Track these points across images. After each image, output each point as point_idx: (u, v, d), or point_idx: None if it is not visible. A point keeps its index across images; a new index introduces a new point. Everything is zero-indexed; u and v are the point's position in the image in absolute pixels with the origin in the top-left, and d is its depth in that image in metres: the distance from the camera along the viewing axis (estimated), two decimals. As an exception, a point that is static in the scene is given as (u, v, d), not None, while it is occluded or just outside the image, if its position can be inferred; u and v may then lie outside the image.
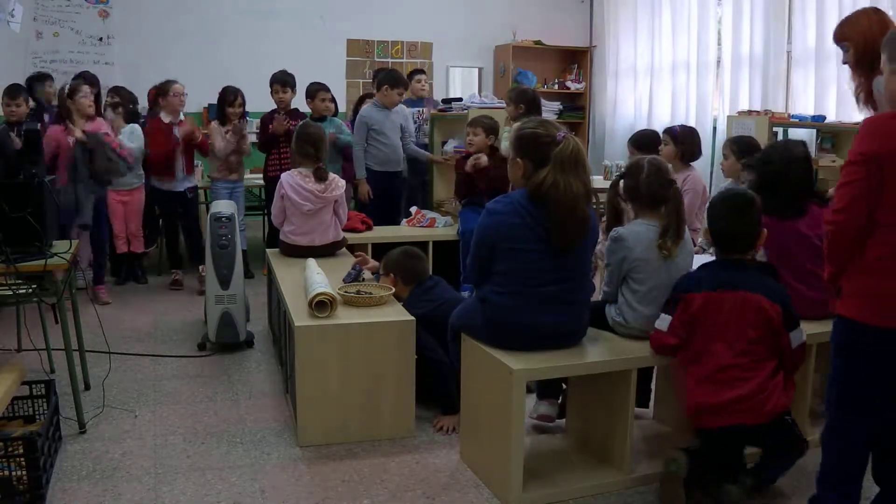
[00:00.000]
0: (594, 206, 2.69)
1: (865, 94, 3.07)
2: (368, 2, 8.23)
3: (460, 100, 5.89)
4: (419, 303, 3.25)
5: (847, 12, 5.67)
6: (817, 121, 5.34)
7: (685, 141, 4.10)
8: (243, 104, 5.40)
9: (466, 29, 8.60)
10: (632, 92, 8.26)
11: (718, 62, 7.08)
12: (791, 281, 2.74)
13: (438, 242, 4.74)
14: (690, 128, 4.40)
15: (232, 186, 5.47)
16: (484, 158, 4.45)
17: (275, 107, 5.57)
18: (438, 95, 8.02)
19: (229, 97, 5.36)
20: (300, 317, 2.98)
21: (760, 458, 2.55)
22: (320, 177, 4.01)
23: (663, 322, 2.56)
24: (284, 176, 4.07)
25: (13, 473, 2.42)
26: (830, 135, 5.36)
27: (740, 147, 3.72)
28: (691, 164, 4.17)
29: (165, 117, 5.25)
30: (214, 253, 3.86)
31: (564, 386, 3.02)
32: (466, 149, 4.69)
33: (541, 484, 2.60)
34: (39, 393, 2.92)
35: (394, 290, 3.30)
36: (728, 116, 6.03)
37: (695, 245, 3.31)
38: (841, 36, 3.09)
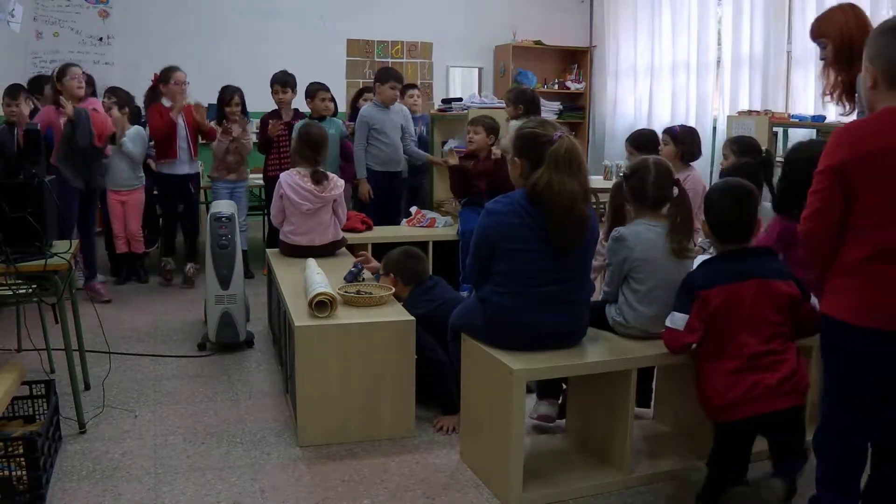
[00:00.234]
0: (594, 207, 2.69)
1: (841, 91, 3.09)
2: (368, 2, 8.23)
3: (460, 100, 5.90)
4: (419, 303, 3.25)
5: (847, 12, 5.69)
6: (817, 121, 5.34)
7: (685, 141, 4.09)
8: (241, 103, 5.40)
9: (466, 29, 8.60)
10: (632, 92, 8.26)
11: (718, 62, 7.09)
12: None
13: (438, 242, 4.74)
14: (690, 128, 4.39)
15: (232, 186, 5.47)
16: (455, 159, 4.49)
17: (275, 107, 5.58)
18: (438, 95, 8.04)
19: (226, 97, 5.37)
20: (300, 317, 2.98)
21: (776, 454, 2.55)
22: (318, 179, 4.01)
23: (679, 321, 2.50)
24: (283, 176, 4.07)
25: (13, 473, 2.42)
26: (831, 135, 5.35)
27: (740, 147, 3.72)
28: (691, 164, 4.17)
29: (166, 102, 5.26)
30: (214, 253, 3.86)
31: (564, 386, 3.02)
32: (467, 148, 4.69)
33: (541, 484, 2.60)
34: (39, 393, 2.92)
35: (394, 290, 3.30)
36: (728, 116, 6.04)
37: (695, 245, 3.31)
38: (818, 32, 3.11)
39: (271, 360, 3.90)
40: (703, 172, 6.02)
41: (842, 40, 3.03)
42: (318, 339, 2.91)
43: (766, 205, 3.03)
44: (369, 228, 4.77)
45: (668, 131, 4.18)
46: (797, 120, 5.43)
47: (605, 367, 2.60)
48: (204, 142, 5.54)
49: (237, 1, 7.81)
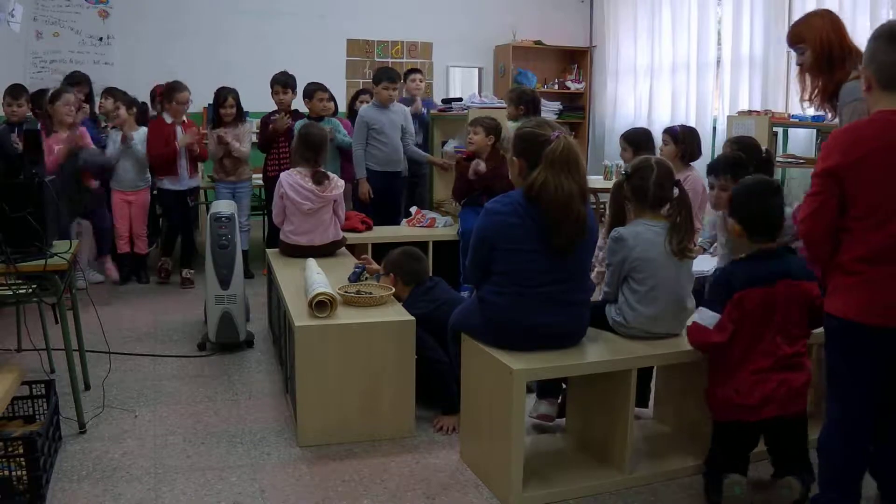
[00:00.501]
0: (594, 207, 2.69)
1: (822, 96, 3.14)
2: (368, 2, 8.23)
3: (460, 100, 5.89)
4: (419, 303, 3.25)
5: (846, 12, 5.71)
6: (817, 121, 5.33)
7: (685, 141, 4.09)
8: (235, 104, 5.38)
9: (466, 29, 8.60)
10: (632, 92, 8.26)
11: (718, 62, 7.08)
12: None
13: (438, 242, 4.74)
14: (690, 128, 4.39)
15: (233, 187, 5.47)
16: (482, 165, 4.47)
17: (275, 107, 5.58)
18: (438, 95, 8.03)
19: (220, 98, 5.37)
20: (300, 317, 2.98)
21: (779, 456, 2.55)
22: (318, 180, 4.01)
23: (709, 319, 2.48)
24: (283, 175, 4.08)
25: (13, 473, 2.42)
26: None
27: (740, 147, 3.71)
28: (691, 164, 4.17)
29: (168, 118, 5.27)
30: (214, 253, 3.86)
31: (564, 386, 3.02)
32: (467, 149, 4.69)
33: (541, 484, 2.60)
34: (39, 393, 2.92)
35: (394, 290, 3.30)
36: (728, 116, 6.03)
37: (695, 245, 3.31)
38: (797, 38, 3.16)
39: (271, 360, 3.90)
40: (703, 172, 6.02)
41: (821, 46, 3.08)
42: (318, 339, 2.90)
43: None
44: (369, 228, 4.77)
45: (669, 131, 4.18)
46: (797, 120, 5.43)
47: (605, 367, 2.60)
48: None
49: (237, 1, 7.81)
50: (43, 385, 2.93)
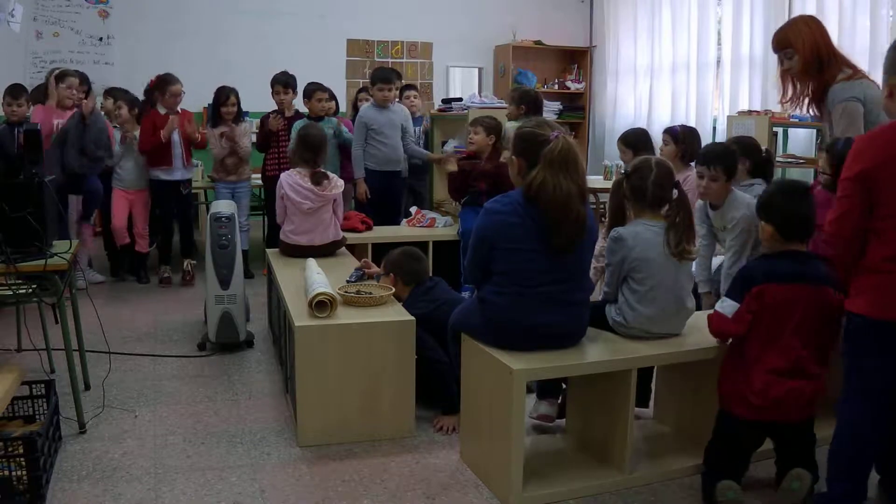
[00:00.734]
0: (593, 207, 2.69)
1: (812, 98, 3.28)
2: (368, 2, 8.23)
3: (460, 100, 5.90)
4: (419, 303, 3.25)
5: (846, 13, 5.72)
6: (817, 121, 5.33)
7: (685, 141, 4.09)
8: (237, 103, 5.39)
9: (466, 29, 8.61)
10: (632, 92, 8.27)
11: (718, 62, 7.09)
12: None
13: (438, 242, 4.74)
14: (691, 128, 4.39)
15: (233, 187, 5.47)
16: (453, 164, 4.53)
17: (275, 107, 5.58)
18: (438, 95, 8.05)
19: (222, 97, 5.37)
20: (300, 317, 2.98)
21: (784, 458, 2.56)
22: (317, 180, 4.01)
23: (728, 308, 2.50)
24: (283, 176, 4.08)
25: (13, 473, 2.42)
26: (830, 135, 5.35)
27: (740, 147, 3.71)
28: (692, 164, 4.17)
29: (161, 109, 5.27)
30: (214, 253, 3.86)
31: (564, 386, 3.02)
32: (467, 149, 4.69)
33: (541, 484, 2.60)
34: (39, 393, 2.92)
35: (394, 290, 3.30)
36: (728, 116, 6.03)
37: (695, 247, 3.31)
38: (785, 43, 3.30)
39: (271, 360, 3.90)
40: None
41: (810, 50, 3.21)
42: (318, 339, 2.90)
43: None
44: (369, 228, 4.77)
45: (669, 131, 4.17)
46: (797, 120, 5.43)
47: (605, 367, 2.60)
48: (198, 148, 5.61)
49: (237, 1, 7.82)
50: (43, 385, 2.93)
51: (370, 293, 3.22)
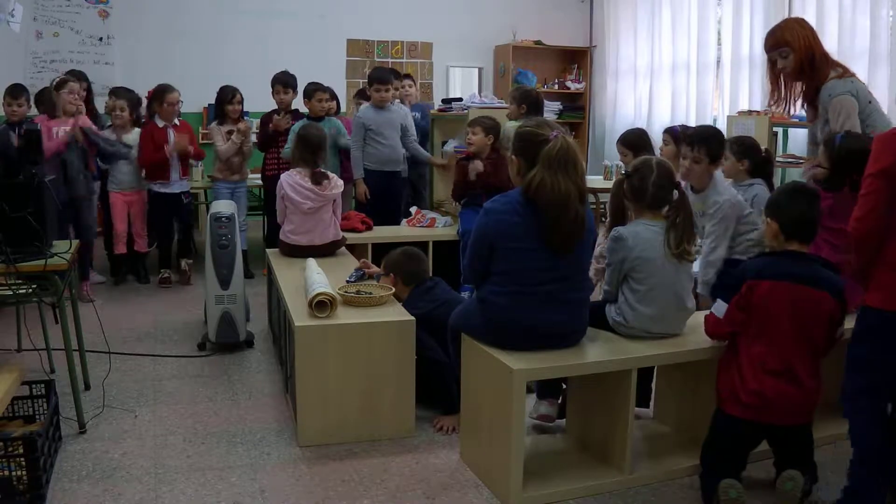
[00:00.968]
0: (593, 207, 2.70)
1: (805, 97, 3.35)
2: (368, 2, 8.23)
3: (460, 100, 5.89)
4: (419, 303, 3.25)
5: (846, 12, 5.72)
6: (809, 122, 5.33)
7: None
8: (242, 102, 5.41)
9: (466, 29, 8.60)
10: (632, 92, 8.26)
11: (718, 62, 7.09)
12: None
13: (438, 242, 4.74)
14: (691, 128, 4.39)
15: (233, 187, 5.48)
16: (480, 165, 4.48)
17: (275, 107, 5.58)
18: (438, 95, 8.04)
19: (227, 95, 5.39)
20: (300, 317, 2.98)
21: (782, 461, 2.56)
22: (317, 180, 4.01)
23: (719, 308, 2.53)
24: (284, 176, 4.08)
25: (13, 473, 2.42)
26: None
27: (740, 147, 3.72)
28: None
29: (160, 122, 5.27)
30: (214, 253, 3.86)
31: (564, 386, 3.02)
32: (466, 149, 4.69)
33: (541, 484, 2.60)
34: (39, 393, 2.92)
35: (394, 290, 3.30)
36: (728, 116, 6.03)
37: (695, 247, 3.31)
38: (780, 42, 3.36)
39: (271, 360, 3.90)
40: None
41: (805, 50, 3.27)
42: (318, 339, 2.90)
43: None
44: (369, 228, 4.77)
45: (669, 131, 4.17)
46: (797, 120, 5.42)
47: (605, 367, 2.60)
48: (194, 164, 5.74)
49: (237, 1, 7.81)
50: (43, 385, 2.94)
51: (370, 293, 3.22)
